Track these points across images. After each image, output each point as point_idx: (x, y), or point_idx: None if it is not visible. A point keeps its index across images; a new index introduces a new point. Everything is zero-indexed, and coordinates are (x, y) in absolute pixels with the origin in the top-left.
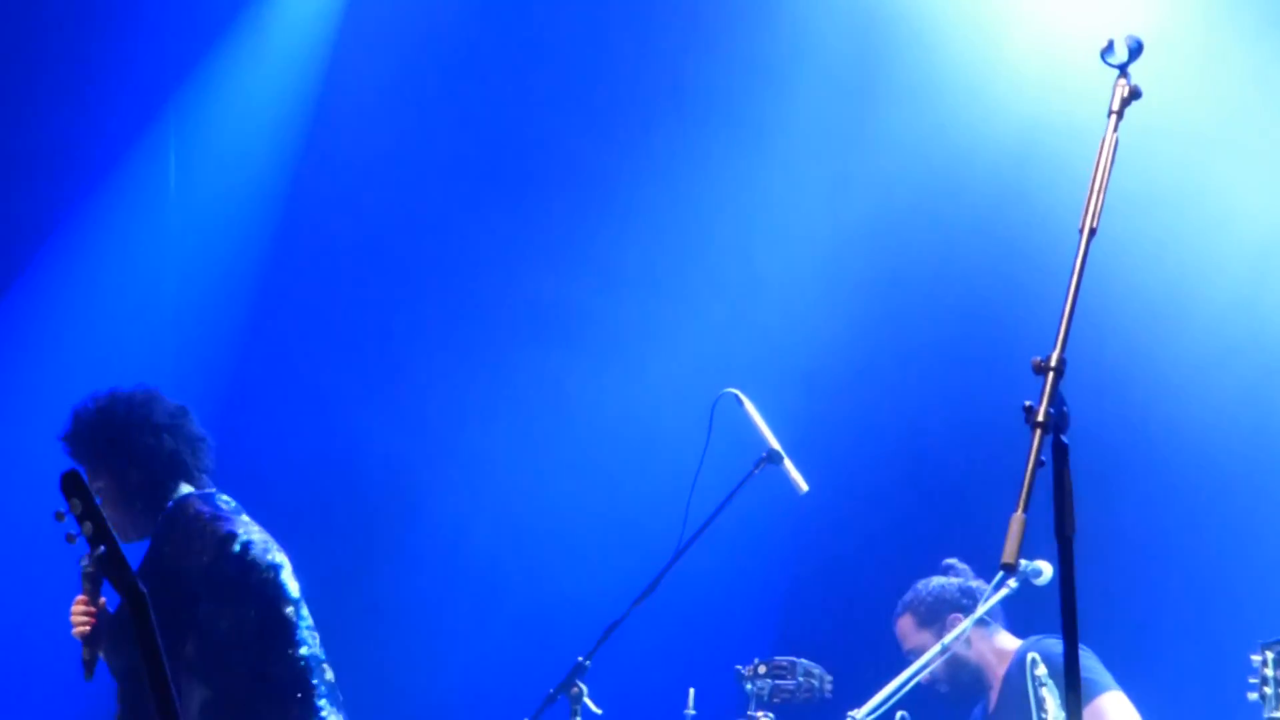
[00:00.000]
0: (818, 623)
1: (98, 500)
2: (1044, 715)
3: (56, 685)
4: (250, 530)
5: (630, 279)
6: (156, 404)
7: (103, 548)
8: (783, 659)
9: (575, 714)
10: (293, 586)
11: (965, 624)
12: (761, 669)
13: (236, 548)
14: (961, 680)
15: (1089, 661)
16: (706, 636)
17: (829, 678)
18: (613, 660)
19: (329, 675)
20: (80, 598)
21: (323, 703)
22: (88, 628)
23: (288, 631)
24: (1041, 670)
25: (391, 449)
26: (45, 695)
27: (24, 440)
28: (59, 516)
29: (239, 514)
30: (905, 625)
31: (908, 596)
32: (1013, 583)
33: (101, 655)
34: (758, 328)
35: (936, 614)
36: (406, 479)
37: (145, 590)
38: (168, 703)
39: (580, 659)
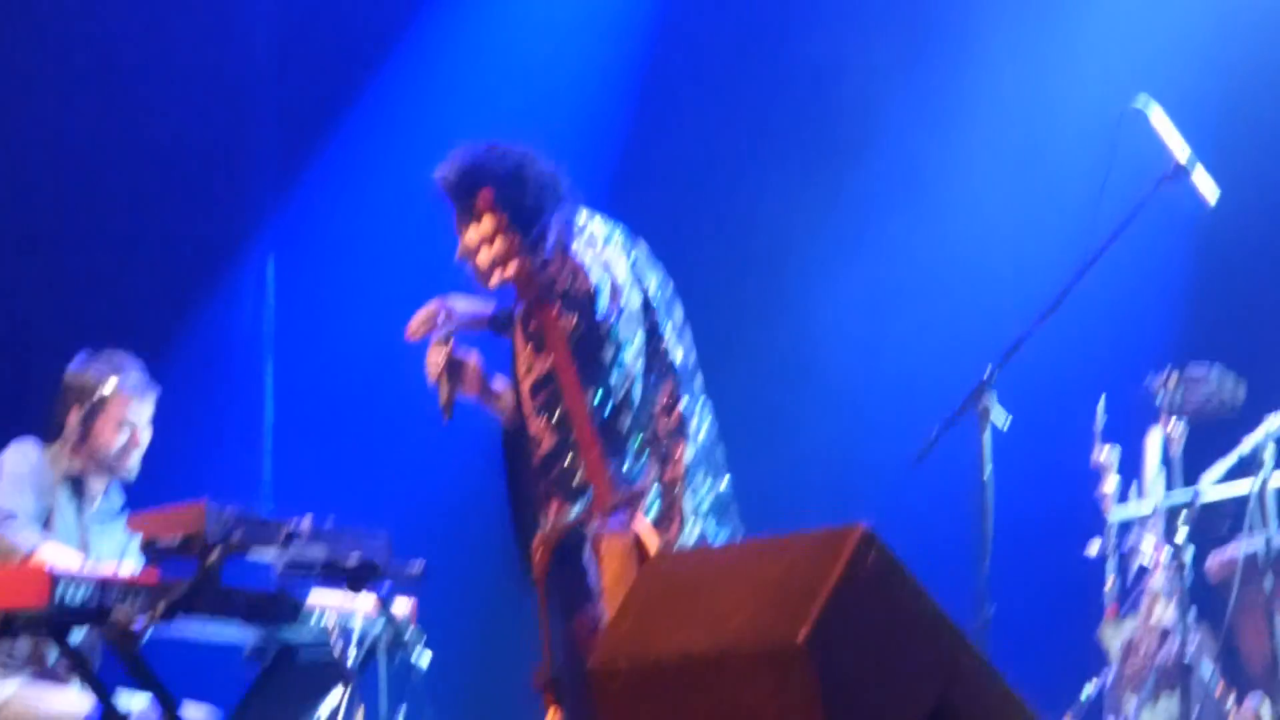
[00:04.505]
0: (1228, 332)
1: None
2: None
3: None
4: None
5: None
6: (530, 159)
7: (515, 262)
8: (1195, 367)
9: (984, 428)
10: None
11: None
12: (1173, 379)
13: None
14: None
15: None
16: (1116, 346)
17: (1242, 383)
18: (1022, 371)
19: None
20: (435, 343)
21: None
22: (440, 369)
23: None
24: None
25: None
26: None
27: None
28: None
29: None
30: None
31: None
32: None
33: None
34: (1167, 34)
35: None
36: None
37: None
38: (579, 406)
39: (989, 369)
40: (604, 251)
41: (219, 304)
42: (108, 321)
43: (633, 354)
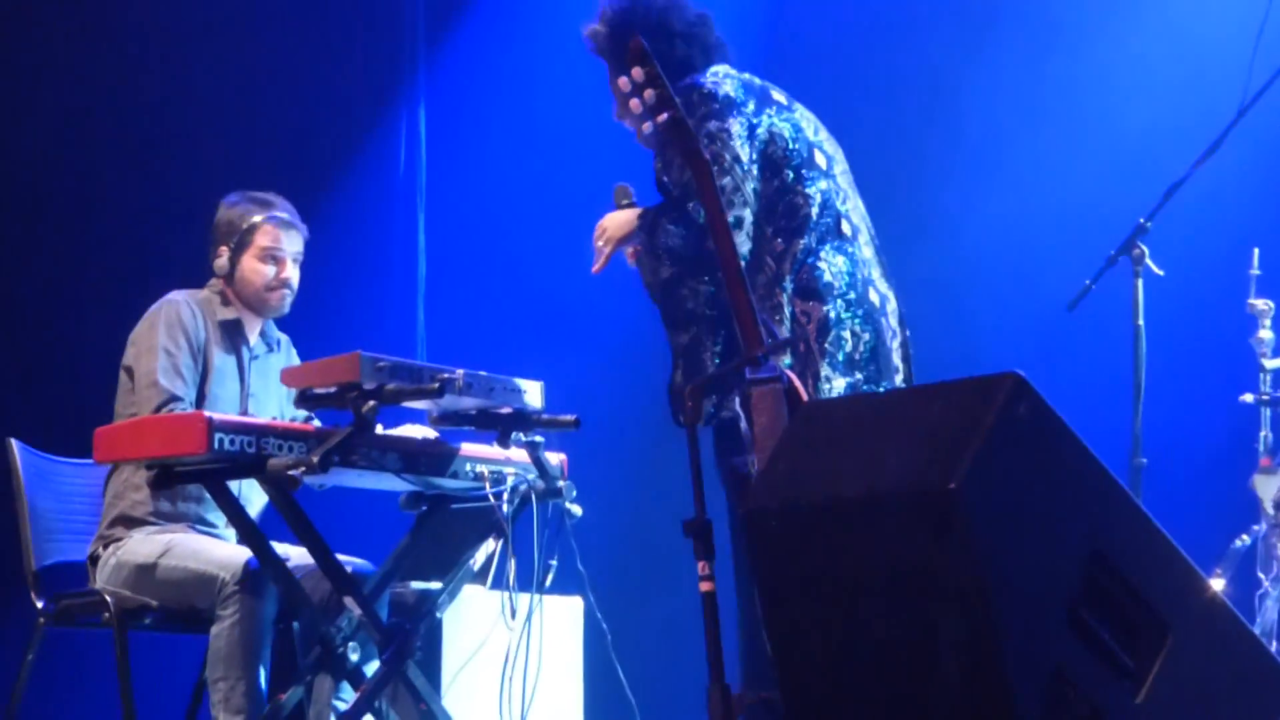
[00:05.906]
0: None
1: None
2: None
3: None
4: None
5: None
6: (677, 10)
7: (666, 114)
8: None
9: (1137, 275)
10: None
11: None
12: None
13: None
14: None
15: None
16: (1272, 194)
17: None
18: (1175, 221)
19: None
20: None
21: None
22: (612, 246)
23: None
24: None
25: None
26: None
27: None
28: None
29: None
30: None
31: None
32: None
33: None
34: None
35: None
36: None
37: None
38: (730, 254)
39: (1142, 220)
40: (720, 120)
41: (370, 154)
42: (259, 172)
43: (743, 232)
